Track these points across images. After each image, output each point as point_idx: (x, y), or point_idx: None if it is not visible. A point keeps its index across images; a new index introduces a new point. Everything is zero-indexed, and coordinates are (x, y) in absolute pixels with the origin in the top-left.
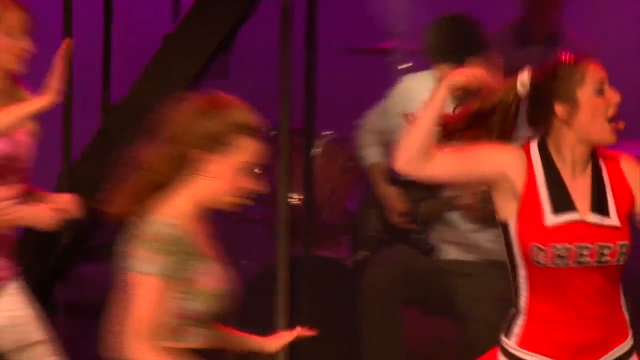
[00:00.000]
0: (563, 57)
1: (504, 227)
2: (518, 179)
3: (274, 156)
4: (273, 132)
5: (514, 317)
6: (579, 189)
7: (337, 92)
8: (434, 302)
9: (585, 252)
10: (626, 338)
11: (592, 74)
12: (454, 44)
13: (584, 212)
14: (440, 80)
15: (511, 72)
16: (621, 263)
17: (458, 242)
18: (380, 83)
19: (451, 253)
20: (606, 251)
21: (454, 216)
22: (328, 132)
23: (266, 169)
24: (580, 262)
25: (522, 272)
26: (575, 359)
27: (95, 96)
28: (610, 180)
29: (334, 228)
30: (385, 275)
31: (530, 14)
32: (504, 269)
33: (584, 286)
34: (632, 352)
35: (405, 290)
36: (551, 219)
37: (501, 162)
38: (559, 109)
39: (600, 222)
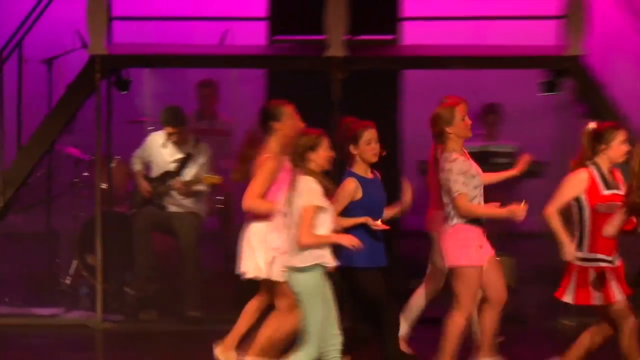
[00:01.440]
0: (608, 124)
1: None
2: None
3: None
4: (92, 157)
5: (580, 238)
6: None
7: (124, 138)
8: (166, 231)
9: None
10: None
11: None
12: (170, 118)
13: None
14: (166, 136)
15: (197, 133)
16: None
17: (175, 204)
18: (142, 136)
19: (172, 208)
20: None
21: (173, 192)
22: (118, 157)
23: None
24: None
25: (587, 215)
26: (613, 253)
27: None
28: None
29: (123, 199)
30: (144, 219)
31: (200, 104)
32: (195, 215)
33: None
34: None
35: (153, 225)
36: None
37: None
38: (602, 147)
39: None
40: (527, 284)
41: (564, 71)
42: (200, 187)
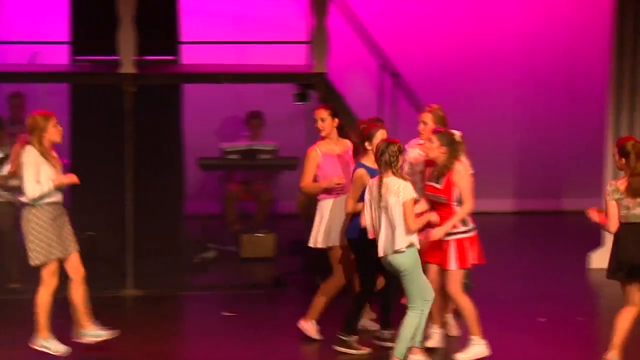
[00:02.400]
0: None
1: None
2: None
3: None
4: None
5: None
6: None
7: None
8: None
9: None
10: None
11: None
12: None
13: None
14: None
15: (13, 137)
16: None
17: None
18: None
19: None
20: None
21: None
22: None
23: None
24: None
25: None
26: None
27: None
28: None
29: None
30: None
31: (11, 112)
32: (11, 204)
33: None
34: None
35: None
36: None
37: None
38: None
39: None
40: (284, 255)
41: (311, 85)
42: (15, 181)
